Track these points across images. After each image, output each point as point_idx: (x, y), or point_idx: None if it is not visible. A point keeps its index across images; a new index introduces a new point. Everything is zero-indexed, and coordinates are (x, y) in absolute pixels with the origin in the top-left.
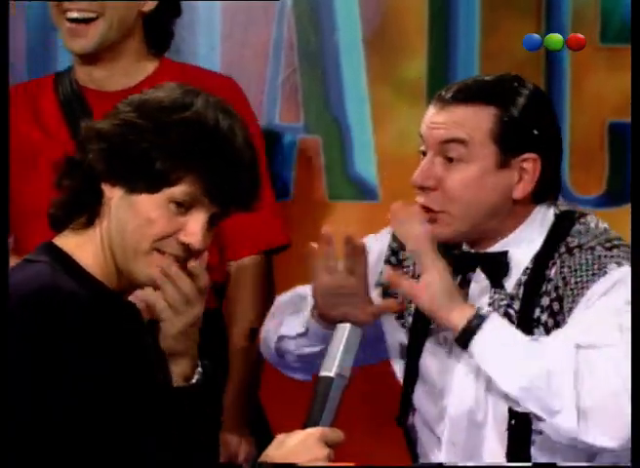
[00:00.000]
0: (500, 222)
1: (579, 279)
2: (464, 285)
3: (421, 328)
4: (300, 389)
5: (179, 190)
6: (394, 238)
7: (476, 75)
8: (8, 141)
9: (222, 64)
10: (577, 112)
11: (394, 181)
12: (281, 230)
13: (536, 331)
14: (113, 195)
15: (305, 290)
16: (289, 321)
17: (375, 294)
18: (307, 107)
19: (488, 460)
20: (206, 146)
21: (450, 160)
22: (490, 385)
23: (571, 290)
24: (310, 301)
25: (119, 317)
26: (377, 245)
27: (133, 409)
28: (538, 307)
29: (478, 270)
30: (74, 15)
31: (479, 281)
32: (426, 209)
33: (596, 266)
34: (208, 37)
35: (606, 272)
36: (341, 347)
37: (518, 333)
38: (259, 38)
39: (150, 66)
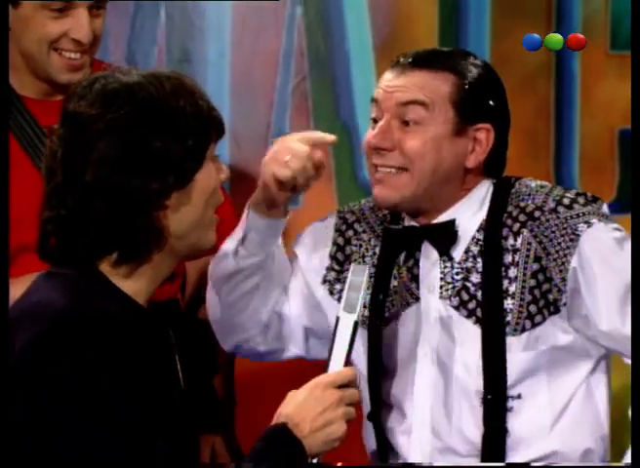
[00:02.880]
0: (450, 191)
1: (557, 247)
2: (413, 264)
3: (380, 318)
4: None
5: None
6: (340, 217)
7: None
8: (8, 142)
9: (232, 72)
10: (587, 119)
11: None
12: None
13: (505, 302)
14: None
15: None
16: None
17: (322, 292)
18: (317, 115)
19: (457, 436)
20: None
21: (407, 123)
22: (455, 364)
23: (554, 260)
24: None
25: (148, 335)
26: (322, 229)
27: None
28: (506, 279)
29: (425, 244)
30: (73, 55)
31: (428, 256)
32: (383, 167)
33: (569, 231)
34: (218, 44)
35: (579, 236)
36: (347, 285)
37: None
38: (269, 45)
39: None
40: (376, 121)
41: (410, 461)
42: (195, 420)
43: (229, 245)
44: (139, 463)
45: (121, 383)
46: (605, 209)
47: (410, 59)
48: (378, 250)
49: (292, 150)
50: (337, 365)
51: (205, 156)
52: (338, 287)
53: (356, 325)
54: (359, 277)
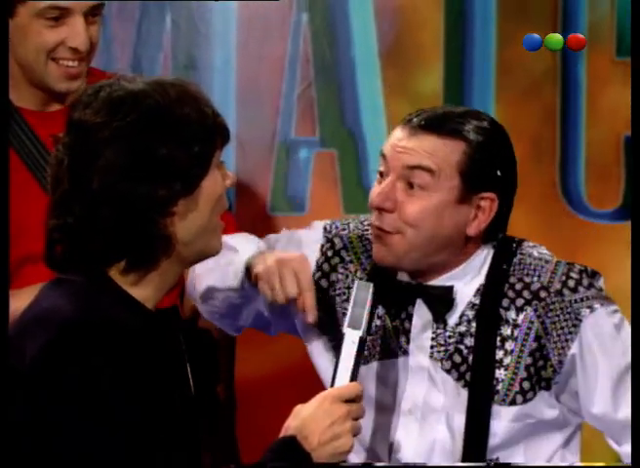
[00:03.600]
0: (449, 257)
1: (560, 331)
2: (405, 318)
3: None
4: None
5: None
6: (327, 239)
7: (444, 105)
8: (8, 142)
9: (238, 78)
10: (592, 126)
11: None
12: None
13: (497, 371)
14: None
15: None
16: (219, 270)
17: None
18: (323, 121)
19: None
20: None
21: (411, 186)
22: (439, 424)
23: (554, 342)
24: (241, 255)
25: (158, 341)
26: (308, 244)
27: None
28: (501, 350)
29: (419, 303)
30: (71, 63)
31: (421, 315)
32: (380, 229)
33: (572, 316)
34: (223, 50)
35: (581, 321)
36: (352, 301)
37: None
38: (274, 52)
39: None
40: (382, 174)
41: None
42: (199, 425)
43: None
44: (139, 464)
45: (126, 387)
46: (602, 286)
47: (422, 122)
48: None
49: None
50: (342, 379)
51: (211, 163)
52: (320, 314)
53: (362, 341)
54: (364, 293)
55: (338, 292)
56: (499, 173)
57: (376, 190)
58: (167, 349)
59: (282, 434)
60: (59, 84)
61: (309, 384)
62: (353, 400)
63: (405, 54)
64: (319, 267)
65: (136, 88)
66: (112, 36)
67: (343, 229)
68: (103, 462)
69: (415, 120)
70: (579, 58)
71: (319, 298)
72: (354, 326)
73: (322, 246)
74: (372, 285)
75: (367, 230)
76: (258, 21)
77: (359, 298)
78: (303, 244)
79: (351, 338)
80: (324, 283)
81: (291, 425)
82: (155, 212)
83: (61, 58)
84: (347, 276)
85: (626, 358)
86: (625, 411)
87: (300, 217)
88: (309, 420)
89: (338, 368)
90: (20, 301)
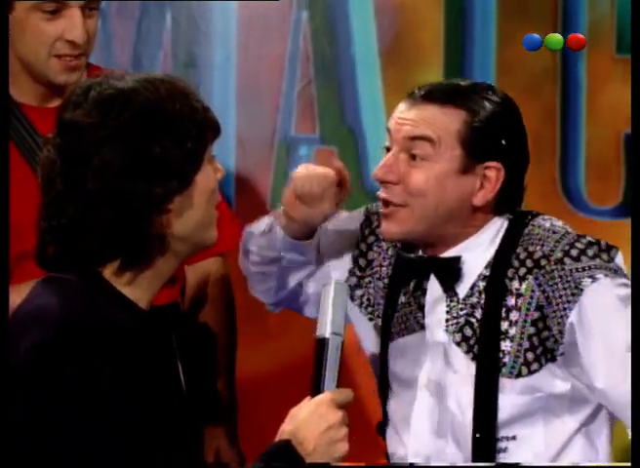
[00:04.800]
0: (457, 228)
1: (559, 299)
2: (420, 292)
3: (388, 331)
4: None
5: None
6: (367, 217)
7: (451, 79)
8: (8, 143)
9: (238, 76)
10: (592, 123)
11: None
12: (235, 231)
13: (502, 343)
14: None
15: None
16: (260, 220)
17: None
18: (323, 119)
19: None
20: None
21: (414, 157)
22: (449, 397)
23: (554, 311)
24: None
25: (151, 341)
26: (350, 225)
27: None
28: (506, 321)
29: (432, 278)
30: (69, 58)
31: (434, 288)
32: (387, 202)
33: (572, 284)
34: (224, 48)
35: (582, 290)
36: (330, 306)
37: None
38: (274, 50)
39: (84, 76)
40: (388, 150)
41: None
42: (199, 424)
43: (256, 226)
44: (139, 464)
45: (122, 386)
46: (618, 260)
47: (423, 92)
48: (393, 260)
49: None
50: (330, 386)
51: (203, 158)
52: (358, 292)
53: (342, 344)
54: (342, 295)
55: (374, 270)
56: (504, 142)
57: (380, 163)
58: (157, 348)
59: (277, 438)
60: (58, 76)
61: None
62: (344, 406)
63: (405, 52)
64: (357, 246)
65: (125, 86)
66: (112, 34)
67: (378, 207)
68: (103, 462)
69: (417, 92)
70: (579, 57)
71: (358, 277)
72: (336, 331)
73: (362, 224)
74: (347, 286)
75: None
76: (258, 19)
77: (337, 302)
78: (349, 225)
79: (335, 344)
80: (362, 262)
81: (286, 429)
82: (151, 210)
83: (61, 53)
84: (380, 253)
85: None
86: (627, 386)
87: None
88: (305, 425)
89: (324, 373)
90: (15, 297)
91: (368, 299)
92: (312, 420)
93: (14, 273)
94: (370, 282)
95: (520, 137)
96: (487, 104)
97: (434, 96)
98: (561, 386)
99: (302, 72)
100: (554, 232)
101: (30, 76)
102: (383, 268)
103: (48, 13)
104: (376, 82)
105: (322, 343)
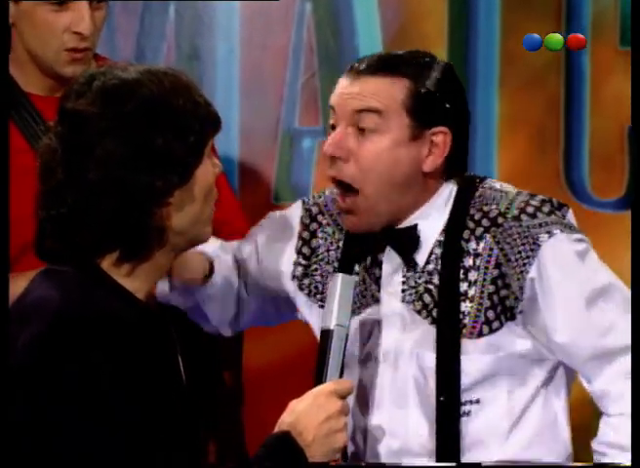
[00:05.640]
0: (410, 196)
1: (517, 255)
2: (375, 266)
3: None
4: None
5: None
6: (306, 209)
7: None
8: (8, 143)
9: (242, 68)
10: (596, 116)
11: None
12: (242, 223)
13: (462, 304)
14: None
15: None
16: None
17: (291, 287)
18: (327, 111)
19: (413, 436)
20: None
21: (362, 131)
22: (411, 364)
23: (513, 268)
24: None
25: (151, 333)
26: (286, 220)
27: (161, 429)
28: (465, 282)
29: (388, 249)
30: (77, 51)
31: (390, 260)
32: (339, 182)
33: (530, 240)
34: (227, 41)
35: (539, 245)
36: (337, 298)
37: None
38: (278, 42)
39: (92, 68)
40: (334, 127)
41: (370, 462)
42: (199, 418)
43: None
44: (139, 463)
45: (123, 383)
46: (570, 217)
47: (364, 65)
48: (341, 243)
49: None
50: (333, 375)
51: (204, 152)
52: (306, 281)
53: (347, 336)
54: (348, 288)
55: (320, 256)
56: (447, 105)
57: (328, 140)
58: (157, 340)
59: (276, 429)
60: (65, 68)
61: None
62: (344, 396)
63: (409, 44)
64: (300, 237)
65: (129, 77)
66: (116, 26)
67: (319, 197)
68: (102, 459)
69: (356, 65)
70: (582, 49)
71: (304, 266)
72: (341, 323)
73: (301, 217)
74: (355, 279)
75: None
76: (261, 12)
77: (344, 294)
78: (286, 221)
79: (339, 335)
80: (306, 250)
81: (285, 420)
82: (152, 202)
83: (70, 46)
84: (326, 239)
85: (592, 285)
86: (592, 342)
87: None
88: (304, 415)
89: (327, 364)
90: (17, 286)
91: (316, 287)
92: (311, 411)
93: (19, 264)
94: (316, 269)
95: (462, 101)
96: (429, 71)
97: (376, 67)
98: (522, 345)
99: (306, 64)
100: (506, 192)
101: (38, 67)
102: (331, 252)
103: (56, 5)
104: None
105: (326, 334)
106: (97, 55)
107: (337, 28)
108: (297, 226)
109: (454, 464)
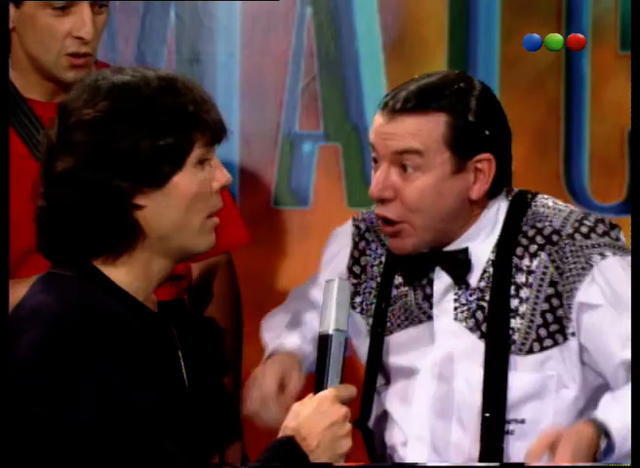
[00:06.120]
0: (459, 223)
1: (569, 274)
2: (426, 284)
3: (382, 325)
4: None
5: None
6: (356, 227)
7: (420, 77)
8: (8, 143)
9: (242, 72)
10: (596, 119)
11: None
12: (241, 229)
13: (512, 321)
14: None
15: (301, 303)
16: (284, 336)
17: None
18: (327, 115)
19: (455, 452)
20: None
21: (405, 168)
22: (457, 378)
23: (563, 285)
24: (306, 317)
25: (152, 334)
26: (340, 239)
27: (159, 424)
28: (516, 298)
29: (438, 268)
30: (78, 56)
31: (441, 278)
32: (386, 220)
33: (582, 260)
34: (227, 44)
35: (592, 266)
36: (334, 303)
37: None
38: (278, 46)
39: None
40: (375, 161)
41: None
42: (201, 420)
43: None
44: (145, 462)
45: (125, 383)
46: (622, 239)
47: (399, 103)
48: (384, 259)
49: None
50: (334, 381)
51: (186, 159)
52: (357, 300)
53: (346, 341)
54: (344, 293)
55: (369, 275)
56: (487, 132)
57: (373, 180)
58: (159, 343)
59: (280, 434)
60: (66, 73)
61: None
62: (348, 402)
63: (409, 47)
64: (351, 256)
65: (118, 79)
66: (116, 30)
67: (368, 213)
68: (107, 459)
69: (391, 103)
70: (582, 53)
71: (355, 284)
72: (340, 328)
73: (352, 234)
74: (349, 283)
75: None
76: (262, 15)
77: (341, 299)
78: (338, 238)
79: (338, 341)
80: (357, 269)
81: (289, 425)
82: (114, 201)
83: (70, 52)
84: (371, 255)
85: (627, 301)
86: (627, 354)
87: (304, 211)
88: (308, 421)
89: (328, 369)
90: (19, 292)
91: (367, 304)
92: (316, 416)
93: (20, 268)
94: (366, 287)
95: (502, 123)
96: (465, 100)
97: (412, 104)
98: (571, 365)
99: (306, 68)
100: (560, 210)
101: (38, 72)
102: (374, 268)
103: (57, 9)
104: (380, 78)
105: (325, 340)
106: (97, 61)
107: (337, 32)
108: (349, 244)
109: (497, 464)
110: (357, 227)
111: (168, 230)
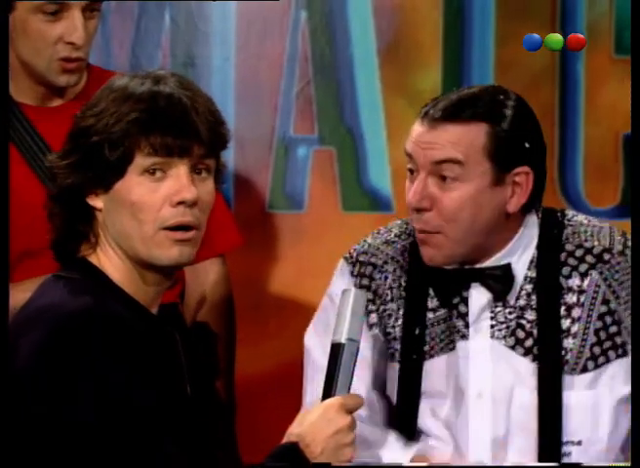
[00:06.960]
0: (495, 237)
1: (627, 290)
2: (460, 302)
3: (417, 351)
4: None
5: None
6: (351, 263)
7: (461, 88)
8: (8, 143)
9: (237, 76)
10: (591, 124)
11: None
12: (234, 232)
13: (565, 341)
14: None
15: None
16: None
17: (374, 337)
18: (322, 119)
19: None
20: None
21: (443, 178)
22: (513, 400)
23: (624, 302)
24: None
25: (154, 337)
26: (340, 283)
27: (162, 426)
28: (568, 318)
29: (474, 286)
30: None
31: (478, 297)
32: (422, 231)
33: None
34: (222, 49)
35: None
36: (349, 312)
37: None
38: (273, 50)
39: (84, 77)
40: (412, 172)
41: None
42: (203, 425)
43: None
44: (145, 462)
45: (129, 386)
46: None
47: (439, 112)
48: (403, 280)
49: None
50: (342, 390)
51: (127, 166)
52: (390, 322)
53: (358, 350)
54: (360, 303)
55: (383, 297)
56: (527, 145)
57: (410, 191)
58: (163, 347)
59: (285, 440)
60: (58, 78)
61: None
62: (353, 411)
63: (404, 52)
64: (358, 287)
65: (110, 82)
66: (111, 34)
67: (362, 246)
68: (109, 460)
69: (431, 112)
70: (577, 57)
71: (374, 311)
72: (353, 337)
73: (351, 272)
74: (365, 293)
75: (389, 235)
76: (256, 19)
77: (356, 308)
78: (337, 281)
79: (350, 350)
80: (369, 295)
81: (293, 432)
82: (72, 195)
83: (62, 57)
84: (387, 277)
85: None
86: None
87: (299, 215)
88: (313, 428)
89: (337, 377)
90: (21, 293)
91: (390, 327)
92: (321, 424)
93: (15, 271)
94: (384, 310)
95: (539, 136)
96: (505, 111)
97: (452, 113)
98: (627, 382)
99: (301, 72)
100: (600, 227)
101: (30, 76)
102: (394, 290)
103: (49, 14)
104: (374, 82)
105: (337, 348)
106: (89, 65)
107: (331, 37)
108: (351, 283)
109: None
110: (355, 262)
111: (117, 234)
